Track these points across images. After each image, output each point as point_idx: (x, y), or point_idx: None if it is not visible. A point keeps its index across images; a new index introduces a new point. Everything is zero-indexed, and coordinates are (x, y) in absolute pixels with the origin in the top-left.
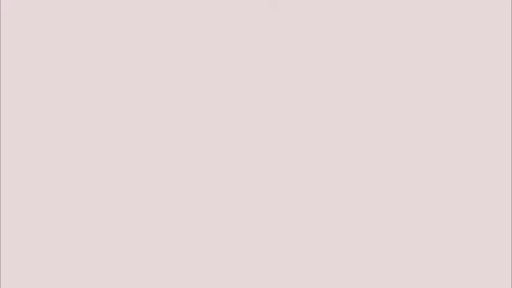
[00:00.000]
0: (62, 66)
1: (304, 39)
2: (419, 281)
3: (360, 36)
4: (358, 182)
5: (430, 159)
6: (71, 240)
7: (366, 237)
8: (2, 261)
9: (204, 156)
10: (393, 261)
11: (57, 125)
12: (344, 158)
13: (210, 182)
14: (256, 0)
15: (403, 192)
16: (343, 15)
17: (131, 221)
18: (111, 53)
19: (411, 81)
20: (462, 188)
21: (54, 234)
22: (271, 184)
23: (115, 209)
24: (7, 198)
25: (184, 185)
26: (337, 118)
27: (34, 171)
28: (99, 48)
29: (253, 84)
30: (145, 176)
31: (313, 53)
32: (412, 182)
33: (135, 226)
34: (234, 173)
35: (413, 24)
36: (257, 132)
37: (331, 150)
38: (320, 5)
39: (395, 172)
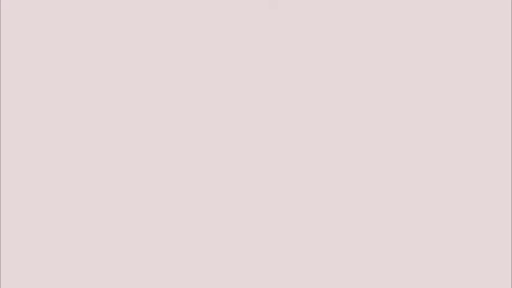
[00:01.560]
0: (62, 66)
1: (304, 40)
2: (419, 281)
3: (360, 36)
4: (358, 182)
5: (430, 159)
6: (71, 240)
7: (366, 237)
8: (2, 261)
9: (204, 156)
10: (393, 262)
11: (57, 125)
12: (344, 159)
13: (210, 183)
14: (256, 0)
15: (403, 193)
16: (343, 15)
17: (131, 221)
18: (111, 53)
19: (411, 81)
20: (462, 188)
21: (54, 234)
22: (271, 184)
23: (115, 209)
24: (7, 198)
25: (184, 186)
26: (337, 118)
27: (34, 172)
28: (99, 48)
29: (253, 84)
30: (146, 177)
31: (313, 53)
32: (412, 183)
33: (135, 226)
34: (234, 174)
35: (413, 24)
36: (257, 133)
37: (331, 151)
38: (320, 5)
39: (395, 173)
